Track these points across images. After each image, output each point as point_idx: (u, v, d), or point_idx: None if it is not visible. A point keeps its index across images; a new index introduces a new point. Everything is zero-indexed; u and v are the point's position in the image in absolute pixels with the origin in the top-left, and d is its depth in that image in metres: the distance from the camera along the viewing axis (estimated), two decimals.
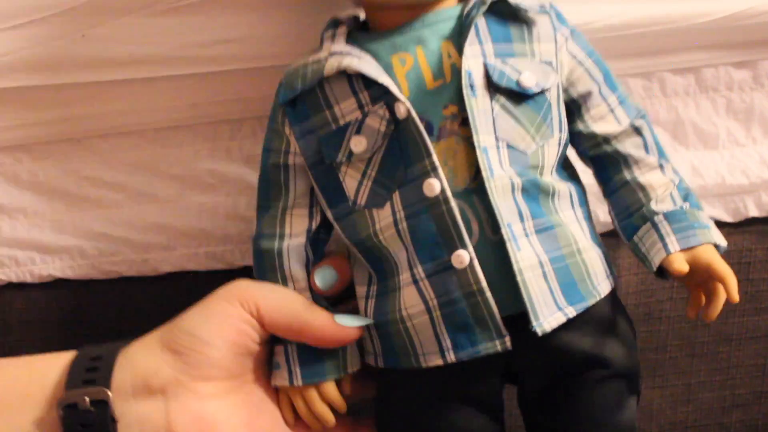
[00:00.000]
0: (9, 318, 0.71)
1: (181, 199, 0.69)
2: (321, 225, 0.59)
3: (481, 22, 0.55)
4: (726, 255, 0.73)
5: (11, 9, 0.62)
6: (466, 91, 0.53)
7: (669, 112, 0.70)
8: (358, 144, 0.54)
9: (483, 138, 0.53)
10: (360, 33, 0.58)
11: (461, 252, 0.52)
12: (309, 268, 0.59)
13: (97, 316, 0.72)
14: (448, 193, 0.53)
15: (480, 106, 0.53)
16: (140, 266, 0.70)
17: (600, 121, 0.58)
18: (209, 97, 0.66)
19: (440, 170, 0.53)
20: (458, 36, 0.55)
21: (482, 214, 0.53)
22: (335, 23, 0.59)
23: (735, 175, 0.71)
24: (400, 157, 0.54)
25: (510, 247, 0.52)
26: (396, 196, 0.54)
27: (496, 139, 0.53)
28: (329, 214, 0.58)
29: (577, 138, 0.59)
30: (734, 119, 0.71)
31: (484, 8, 0.55)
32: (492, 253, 0.53)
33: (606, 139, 0.58)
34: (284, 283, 0.58)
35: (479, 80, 0.54)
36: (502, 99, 0.54)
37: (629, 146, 0.58)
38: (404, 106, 0.53)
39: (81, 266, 0.70)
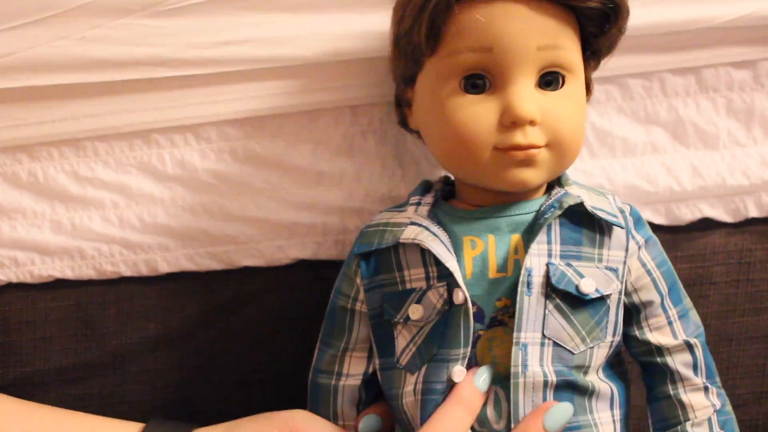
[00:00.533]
0: (9, 318, 0.71)
1: (180, 199, 0.69)
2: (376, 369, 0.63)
3: (555, 222, 0.57)
4: (726, 255, 0.73)
5: (12, 10, 0.62)
6: (521, 288, 0.55)
7: (669, 112, 0.70)
8: (415, 312, 0.58)
9: (525, 335, 0.55)
10: (443, 204, 0.61)
11: None
12: (360, 408, 0.63)
13: (97, 316, 0.72)
14: None
15: (532, 304, 0.55)
16: (140, 266, 0.70)
17: (656, 332, 0.60)
18: (210, 98, 0.66)
19: (467, 360, 0.56)
20: (530, 231, 0.58)
21: (513, 404, 0.56)
22: (425, 189, 0.63)
23: (735, 175, 0.71)
24: (442, 335, 0.57)
25: None
26: (423, 369, 0.57)
27: (543, 336, 0.56)
28: (376, 363, 0.62)
29: (631, 341, 0.61)
30: (735, 119, 0.71)
31: (559, 212, 0.57)
32: None
33: (659, 350, 0.60)
34: (335, 419, 0.63)
35: (538, 279, 0.56)
36: (558, 300, 0.56)
37: (679, 363, 0.60)
38: (462, 295, 0.56)
39: (81, 267, 0.70)
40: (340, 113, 0.68)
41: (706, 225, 0.73)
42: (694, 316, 0.61)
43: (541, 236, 0.57)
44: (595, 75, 0.67)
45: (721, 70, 0.70)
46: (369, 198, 0.69)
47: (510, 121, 0.55)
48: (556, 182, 0.61)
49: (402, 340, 0.59)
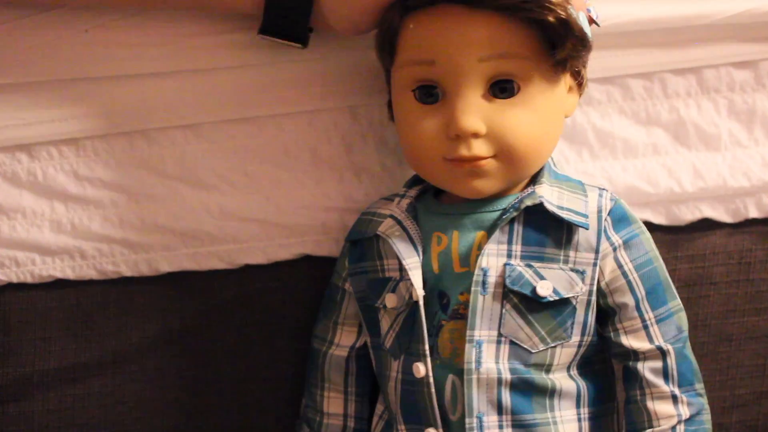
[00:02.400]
0: (9, 318, 0.71)
1: (180, 199, 0.69)
2: (366, 343, 0.65)
3: (518, 222, 0.58)
4: (726, 255, 0.73)
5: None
6: (474, 287, 0.56)
7: (671, 113, 0.70)
8: (390, 301, 0.60)
9: (480, 333, 0.56)
10: (426, 198, 0.63)
11: (432, 430, 0.58)
12: (349, 380, 0.65)
13: (97, 316, 0.71)
14: (431, 379, 0.57)
15: (487, 302, 0.57)
16: (141, 266, 0.70)
17: (630, 335, 0.60)
18: (211, 96, 0.66)
19: (428, 358, 0.57)
20: (490, 229, 0.58)
21: (467, 398, 0.57)
22: (413, 181, 0.64)
23: (736, 177, 0.71)
24: (411, 329, 0.59)
25: None
26: (402, 358, 0.59)
27: (500, 334, 0.57)
28: (368, 340, 0.64)
29: (606, 342, 0.61)
30: (736, 120, 0.71)
31: (515, 213, 0.57)
32: None
33: (632, 354, 0.60)
34: (321, 381, 0.67)
35: (494, 278, 0.57)
36: (515, 300, 0.57)
37: (647, 369, 0.59)
38: (416, 293, 0.58)
39: (81, 266, 0.69)
40: (340, 114, 0.68)
41: (707, 225, 0.72)
42: (679, 319, 0.60)
43: (501, 236, 0.57)
44: (595, 76, 0.68)
45: (722, 70, 0.70)
46: (369, 198, 0.69)
47: (454, 134, 0.56)
48: (532, 179, 0.61)
49: (385, 323, 0.61)
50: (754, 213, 0.72)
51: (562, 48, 0.56)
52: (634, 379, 0.60)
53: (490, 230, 0.58)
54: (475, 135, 0.56)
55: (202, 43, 0.64)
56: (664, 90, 0.70)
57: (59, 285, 0.71)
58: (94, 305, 0.71)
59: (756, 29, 0.69)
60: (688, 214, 0.71)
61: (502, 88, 0.57)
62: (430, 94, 0.57)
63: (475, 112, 0.56)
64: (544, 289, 0.57)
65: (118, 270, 0.70)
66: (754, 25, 0.68)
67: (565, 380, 0.58)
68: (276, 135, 0.68)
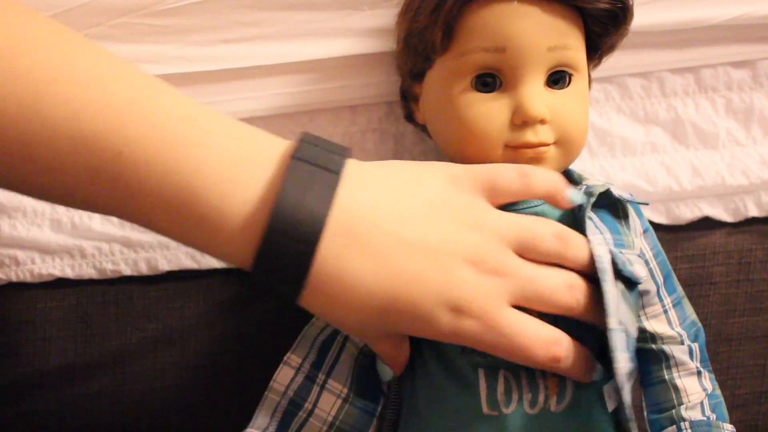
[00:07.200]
0: (9, 318, 0.71)
1: None
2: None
3: (592, 214, 0.58)
4: (726, 255, 0.73)
5: None
6: (602, 275, 0.54)
7: (668, 112, 0.70)
8: None
9: (612, 320, 0.55)
10: None
11: None
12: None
13: (97, 316, 0.72)
14: None
15: (612, 289, 0.55)
16: (140, 265, 0.70)
17: (653, 319, 0.61)
18: (209, 97, 0.66)
19: None
20: (572, 225, 0.56)
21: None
22: None
23: (735, 175, 0.71)
24: None
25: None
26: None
27: (619, 323, 0.55)
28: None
29: None
30: (734, 119, 0.71)
31: (593, 199, 0.57)
32: None
33: (653, 337, 0.61)
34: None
35: (608, 266, 0.55)
36: (621, 285, 0.56)
37: (675, 349, 0.61)
38: None
39: (81, 265, 0.70)
40: (339, 113, 0.68)
41: (706, 225, 0.73)
42: (686, 304, 0.63)
43: (592, 227, 0.56)
44: (594, 75, 0.68)
45: (719, 69, 0.70)
46: None
47: (521, 120, 0.56)
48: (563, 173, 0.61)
49: None
50: (753, 212, 0.72)
51: (608, 37, 0.59)
52: (659, 359, 0.61)
53: (567, 225, 0.57)
54: (542, 121, 0.56)
55: (200, 41, 0.64)
56: (662, 89, 0.70)
57: (59, 285, 0.71)
58: (94, 305, 0.71)
59: (754, 30, 0.69)
60: (687, 213, 0.71)
61: (555, 80, 0.58)
62: (486, 83, 0.57)
63: (542, 99, 0.56)
64: (641, 271, 0.57)
65: (117, 269, 0.70)
66: (751, 26, 0.68)
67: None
68: (275, 134, 0.68)
